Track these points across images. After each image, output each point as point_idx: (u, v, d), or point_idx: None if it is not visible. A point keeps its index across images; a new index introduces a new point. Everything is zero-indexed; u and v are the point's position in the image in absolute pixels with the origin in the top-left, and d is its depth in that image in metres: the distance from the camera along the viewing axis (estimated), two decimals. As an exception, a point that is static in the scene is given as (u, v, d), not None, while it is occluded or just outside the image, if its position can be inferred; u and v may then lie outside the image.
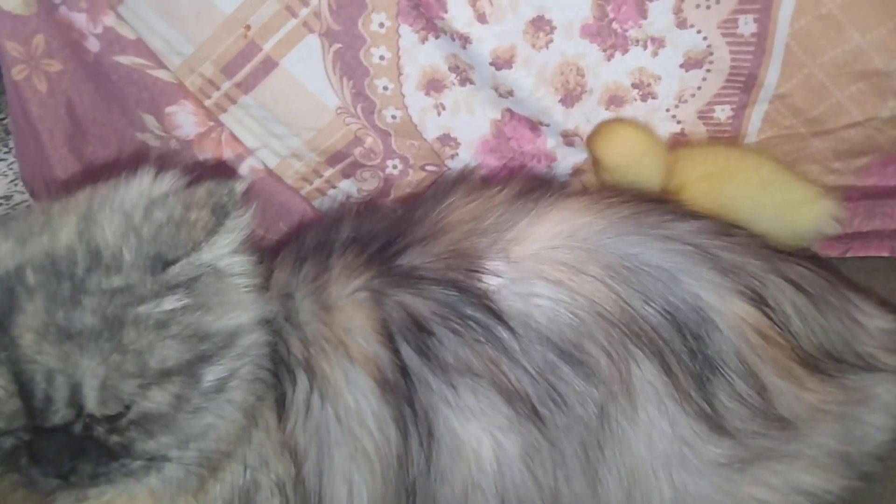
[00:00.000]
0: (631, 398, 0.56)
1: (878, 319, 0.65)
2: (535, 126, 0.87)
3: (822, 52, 0.80)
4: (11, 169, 1.17)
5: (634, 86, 0.84)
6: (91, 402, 0.48)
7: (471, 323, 0.56)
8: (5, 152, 1.22)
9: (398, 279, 0.58)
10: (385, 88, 0.83)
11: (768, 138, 0.86)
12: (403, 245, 0.60)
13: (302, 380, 0.56)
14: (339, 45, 0.80)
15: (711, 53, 0.82)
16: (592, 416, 0.55)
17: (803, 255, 0.67)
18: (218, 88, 0.83)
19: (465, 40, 0.79)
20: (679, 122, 0.86)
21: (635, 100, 0.84)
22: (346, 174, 0.88)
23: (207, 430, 0.53)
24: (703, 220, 0.63)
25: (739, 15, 0.79)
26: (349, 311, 0.57)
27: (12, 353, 0.47)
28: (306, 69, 0.81)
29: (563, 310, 0.56)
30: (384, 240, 0.61)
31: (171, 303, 0.50)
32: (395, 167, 0.88)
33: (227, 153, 0.86)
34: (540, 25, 0.80)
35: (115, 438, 0.50)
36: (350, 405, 0.56)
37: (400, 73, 0.82)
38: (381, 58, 0.81)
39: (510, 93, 0.83)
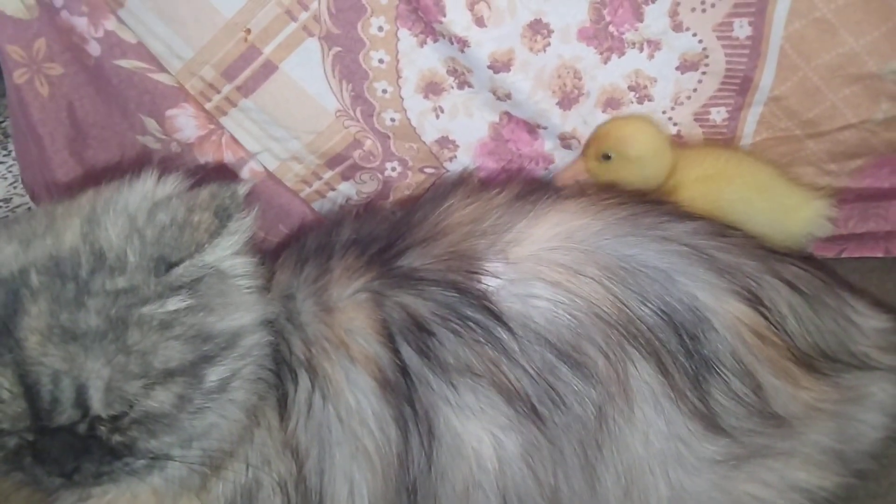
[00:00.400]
0: (628, 398, 0.56)
1: (873, 319, 0.66)
2: (532, 129, 0.87)
3: (817, 56, 0.80)
4: (11, 172, 1.17)
5: (631, 88, 0.84)
6: (96, 403, 0.48)
7: (470, 323, 0.56)
8: (5, 155, 1.23)
9: (398, 280, 0.58)
10: (384, 91, 0.83)
11: (763, 140, 0.87)
12: (403, 247, 0.60)
13: (304, 380, 0.56)
14: (339, 49, 0.81)
15: (707, 56, 0.82)
16: (591, 416, 0.56)
17: (798, 256, 0.68)
18: (218, 92, 0.83)
19: (463, 44, 0.79)
20: (675, 125, 0.87)
21: (632, 102, 0.85)
22: (345, 176, 0.89)
23: (210, 430, 0.53)
24: (700, 222, 0.64)
25: (734, 18, 0.80)
26: (350, 311, 0.58)
27: (17, 354, 0.48)
28: (306, 72, 0.82)
29: (561, 311, 0.56)
30: (384, 242, 0.61)
31: (174, 304, 0.50)
32: (394, 169, 0.89)
33: (228, 156, 0.86)
34: (537, 29, 0.81)
35: (118, 438, 0.50)
36: (351, 405, 0.56)
37: (399, 77, 0.83)
38: (381, 61, 0.82)
39: (508, 96, 0.83)
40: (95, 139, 0.88)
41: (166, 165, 0.58)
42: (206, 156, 0.86)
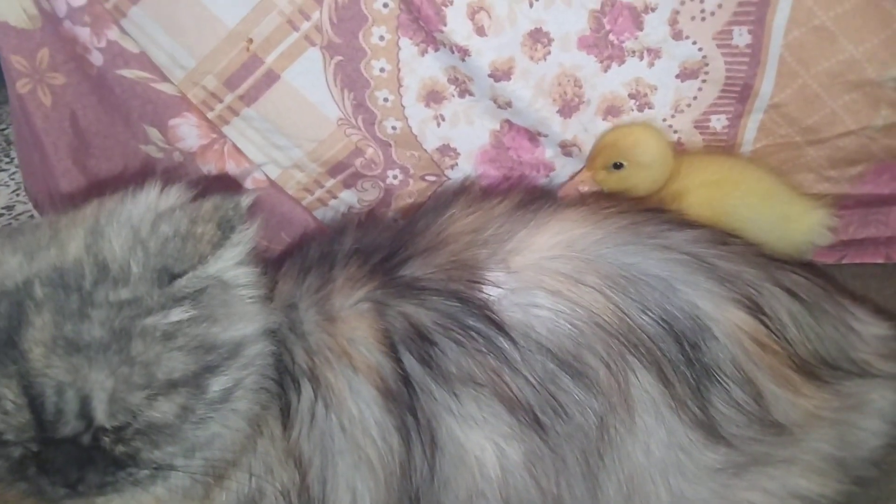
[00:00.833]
0: (629, 408, 0.56)
1: (873, 326, 0.66)
2: (533, 136, 0.88)
3: (816, 63, 0.81)
4: (13, 179, 1.18)
5: (631, 96, 0.85)
6: (100, 414, 0.48)
7: (472, 333, 0.56)
8: (7, 163, 1.23)
9: (400, 290, 0.59)
10: (385, 100, 0.84)
11: (764, 147, 0.87)
12: (405, 256, 0.60)
13: (306, 389, 0.57)
14: (340, 58, 0.81)
15: (707, 64, 0.83)
16: (592, 425, 0.56)
17: (798, 264, 0.68)
18: (221, 101, 0.84)
19: (464, 53, 0.80)
20: (676, 132, 0.87)
21: (632, 110, 0.85)
22: (347, 185, 0.89)
23: (213, 440, 0.53)
24: (700, 230, 0.64)
25: (734, 26, 0.80)
26: (352, 321, 0.58)
27: (22, 366, 0.48)
28: (308, 81, 0.82)
29: (562, 321, 0.57)
30: (386, 251, 0.61)
31: (177, 315, 0.51)
32: (395, 177, 0.89)
33: (230, 165, 0.86)
34: (538, 38, 0.81)
35: (121, 448, 0.50)
36: (354, 414, 0.56)
37: (400, 85, 0.83)
38: (382, 70, 0.82)
39: (509, 104, 0.84)
40: (98, 148, 0.89)
41: (170, 176, 0.58)
42: (209, 165, 0.86)
